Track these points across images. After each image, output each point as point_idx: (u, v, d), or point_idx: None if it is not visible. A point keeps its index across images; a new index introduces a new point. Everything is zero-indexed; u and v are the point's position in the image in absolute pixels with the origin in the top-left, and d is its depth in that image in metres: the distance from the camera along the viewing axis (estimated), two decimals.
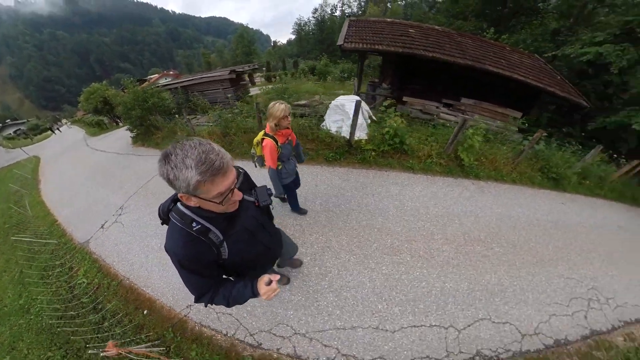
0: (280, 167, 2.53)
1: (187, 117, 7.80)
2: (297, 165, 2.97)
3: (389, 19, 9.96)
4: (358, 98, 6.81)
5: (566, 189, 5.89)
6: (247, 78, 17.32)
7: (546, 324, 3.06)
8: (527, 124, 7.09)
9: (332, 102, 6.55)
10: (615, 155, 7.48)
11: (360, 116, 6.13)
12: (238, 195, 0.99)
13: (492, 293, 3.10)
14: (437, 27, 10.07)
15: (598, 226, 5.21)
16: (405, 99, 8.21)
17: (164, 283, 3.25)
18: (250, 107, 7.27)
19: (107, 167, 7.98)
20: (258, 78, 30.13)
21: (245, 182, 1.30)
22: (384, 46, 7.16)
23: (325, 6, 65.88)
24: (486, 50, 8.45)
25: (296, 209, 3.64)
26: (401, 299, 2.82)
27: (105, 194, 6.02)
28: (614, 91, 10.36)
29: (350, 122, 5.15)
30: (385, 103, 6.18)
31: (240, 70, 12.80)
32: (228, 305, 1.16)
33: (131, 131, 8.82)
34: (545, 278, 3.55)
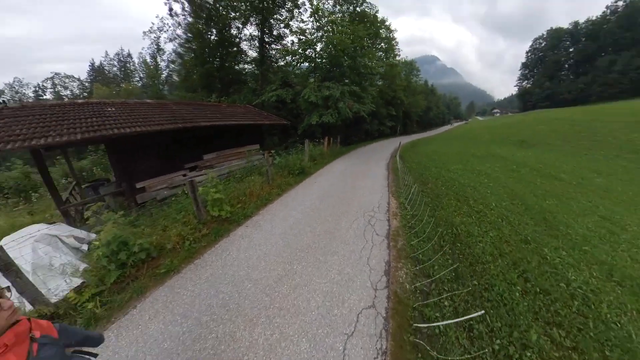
0: None
1: None
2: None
3: (80, 101, 7.90)
4: (35, 229, 4.25)
5: (311, 172, 8.34)
6: None
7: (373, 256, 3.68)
8: (262, 150, 8.78)
9: None
10: (318, 140, 13.17)
11: (58, 252, 3.76)
12: None
13: (344, 283, 3.16)
14: (149, 100, 9.83)
15: (341, 174, 7.81)
16: (141, 184, 6.69)
17: None
18: None
19: None
20: None
21: None
22: (49, 139, 5.02)
23: (21, 86, 44.47)
24: (203, 111, 9.37)
25: None
26: None
27: None
28: (297, 111, 16.64)
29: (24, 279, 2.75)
30: (94, 208, 4.27)
31: None
32: None
33: None
34: (354, 227, 4.47)
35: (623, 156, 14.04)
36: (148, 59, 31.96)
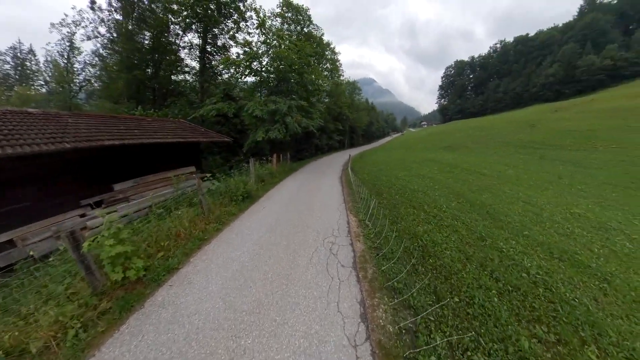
0: None
1: None
2: None
3: None
4: None
5: (259, 195, 7.29)
6: None
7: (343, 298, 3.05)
8: (199, 173, 7.35)
9: None
10: (266, 158, 12.16)
11: None
12: None
13: (315, 349, 2.32)
14: (31, 109, 7.30)
15: (293, 194, 6.97)
16: (4, 237, 4.54)
17: None
18: None
19: None
20: None
21: None
22: None
23: None
24: (113, 126, 7.35)
25: None
26: None
27: None
28: (242, 126, 15.41)
29: None
30: None
31: None
32: None
33: None
34: (315, 262, 3.77)
35: (518, 151, 17.73)
36: (58, 59, 25.27)
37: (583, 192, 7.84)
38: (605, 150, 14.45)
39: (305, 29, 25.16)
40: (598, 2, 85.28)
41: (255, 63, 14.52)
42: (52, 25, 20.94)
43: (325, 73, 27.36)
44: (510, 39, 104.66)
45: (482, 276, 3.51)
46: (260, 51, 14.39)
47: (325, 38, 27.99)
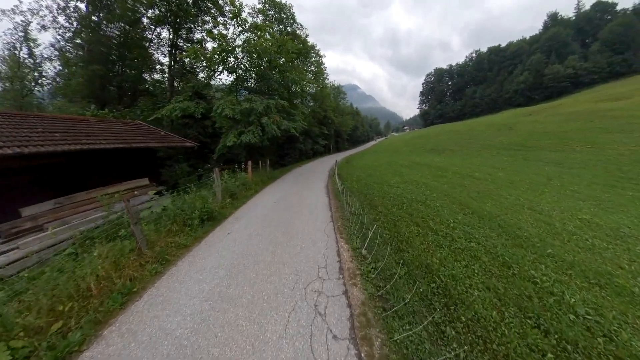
0: None
1: None
2: None
3: None
4: None
5: (225, 215, 5.95)
6: None
7: None
8: (156, 185, 5.85)
9: None
10: (240, 166, 10.56)
11: None
12: None
13: None
14: None
15: (269, 212, 5.76)
16: None
17: None
18: None
19: None
20: None
21: None
22: None
23: None
24: (28, 127, 5.72)
25: None
26: None
27: None
28: (214, 129, 13.92)
29: None
30: None
31: None
32: None
33: None
34: (292, 332, 2.39)
35: (502, 153, 17.80)
36: (11, 52, 22.10)
37: (578, 194, 7.54)
38: (582, 151, 14.73)
39: (288, 27, 24.16)
40: (559, 17, 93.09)
41: (231, 59, 13.11)
42: (3, 12, 18.59)
43: (310, 75, 26.55)
44: (484, 49, 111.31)
45: (527, 329, 2.62)
46: (235, 44, 13.00)
47: (310, 40, 27.23)
